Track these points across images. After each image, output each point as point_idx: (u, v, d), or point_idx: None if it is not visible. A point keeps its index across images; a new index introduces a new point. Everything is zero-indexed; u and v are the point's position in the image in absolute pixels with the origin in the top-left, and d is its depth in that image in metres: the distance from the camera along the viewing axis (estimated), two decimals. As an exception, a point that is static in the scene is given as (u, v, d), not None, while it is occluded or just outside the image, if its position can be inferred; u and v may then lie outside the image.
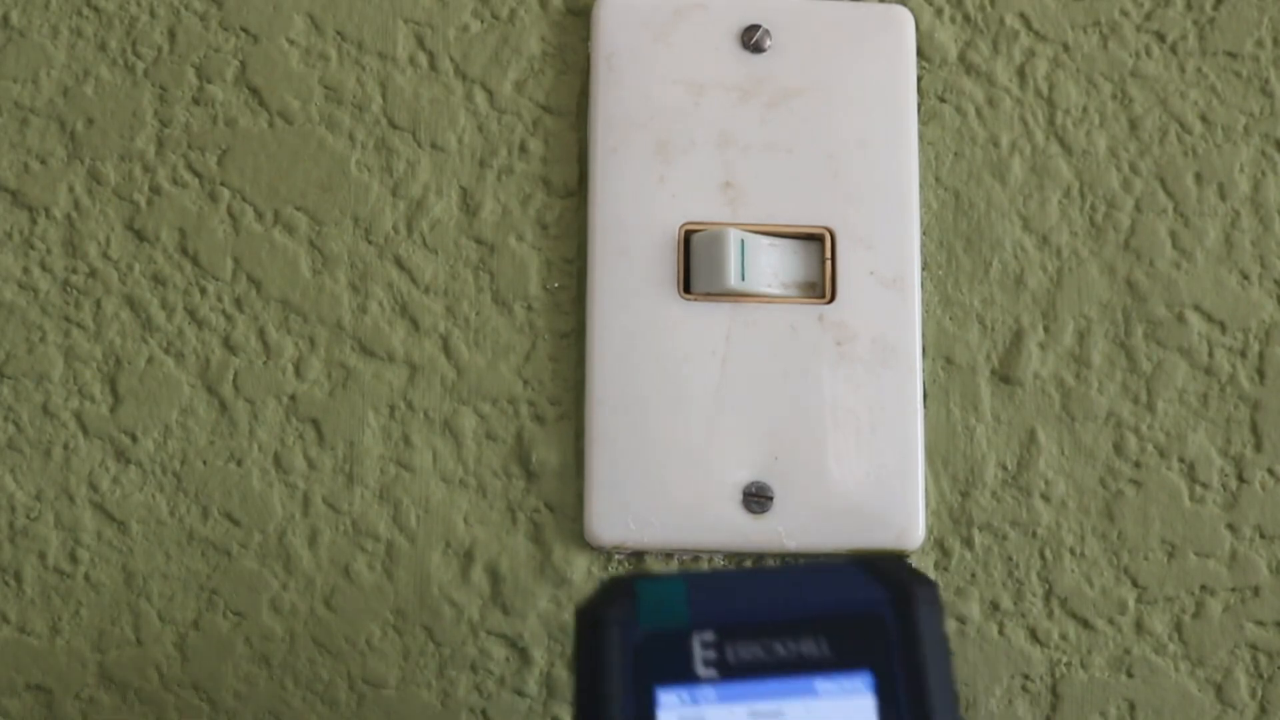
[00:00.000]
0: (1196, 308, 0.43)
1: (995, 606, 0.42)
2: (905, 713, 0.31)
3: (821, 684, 0.31)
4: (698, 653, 0.31)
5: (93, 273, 0.42)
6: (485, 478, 0.42)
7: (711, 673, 0.31)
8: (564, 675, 0.41)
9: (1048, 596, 0.42)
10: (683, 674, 0.31)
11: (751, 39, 0.43)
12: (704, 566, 0.41)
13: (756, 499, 0.41)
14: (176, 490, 0.41)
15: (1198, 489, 0.43)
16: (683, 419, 0.41)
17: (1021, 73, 0.44)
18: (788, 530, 0.41)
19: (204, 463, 0.41)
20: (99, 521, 0.41)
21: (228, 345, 0.42)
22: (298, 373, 0.42)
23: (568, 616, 0.41)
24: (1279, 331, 0.44)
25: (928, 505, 0.42)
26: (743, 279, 0.41)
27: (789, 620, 0.32)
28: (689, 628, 0.32)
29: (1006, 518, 0.42)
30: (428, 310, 0.42)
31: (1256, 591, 0.42)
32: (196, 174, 0.43)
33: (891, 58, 0.43)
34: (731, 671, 0.31)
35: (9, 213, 0.42)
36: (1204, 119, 0.44)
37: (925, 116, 0.44)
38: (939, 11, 0.45)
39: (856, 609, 0.32)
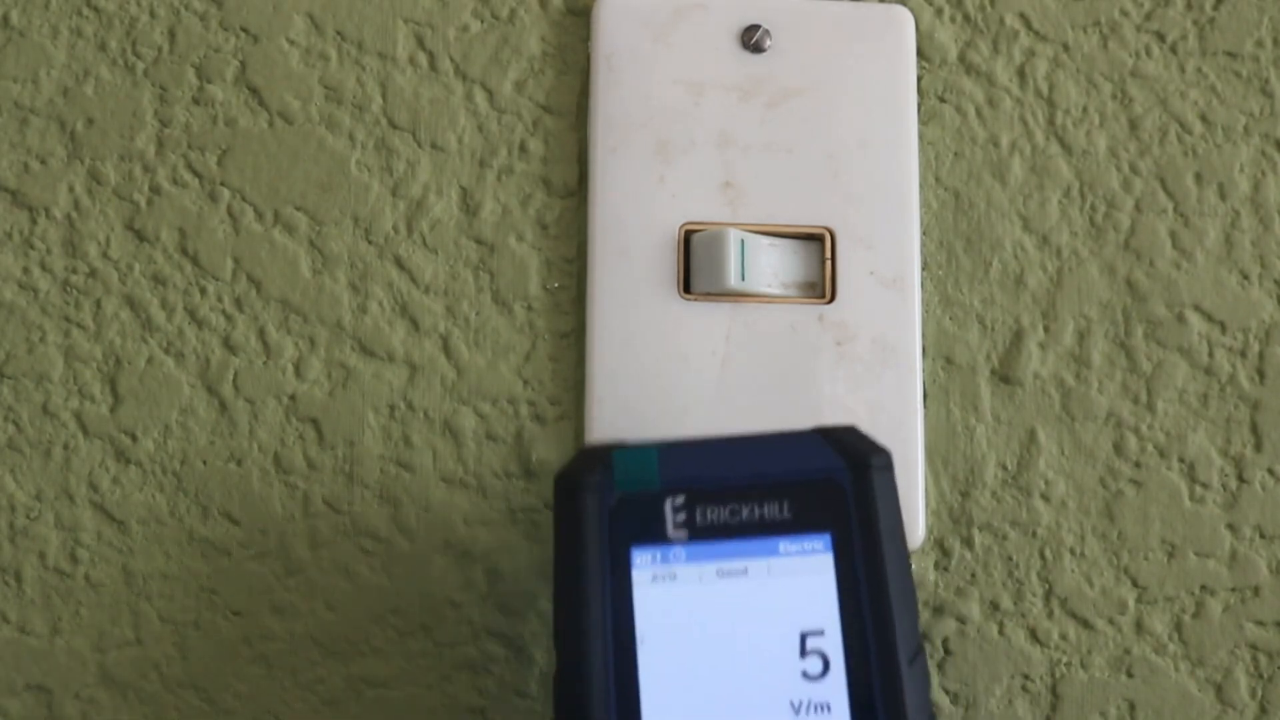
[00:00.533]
0: (1196, 308, 0.43)
1: (995, 606, 0.42)
2: (861, 571, 0.34)
3: (784, 545, 0.34)
4: (669, 516, 0.34)
5: (93, 273, 0.42)
6: (485, 478, 0.42)
7: (682, 534, 0.34)
8: (564, 675, 0.41)
9: (1048, 596, 0.42)
10: (655, 535, 0.34)
11: (751, 39, 0.43)
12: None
13: (756, 499, 0.41)
14: (176, 490, 0.41)
15: (1198, 489, 0.43)
16: (683, 419, 0.41)
17: (1021, 73, 0.44)
18: (788, 530, 0.41)
19: (204, 463, 0.41)
20: (99, 521, 0.41)
21: (228, 345, 0.42)
22: (298, 373, 0.42)
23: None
24: (1279, 331, 0.44)
25: (928, 505, 0.42)
26: (743, 279, 0.41)
27: (754, 485, 0.34)
28: (661, 492, 0.34)
29: (1006, 518, 0.42)
30: (428, 310, 0.42)
31: (1256, 591, 0.42)
32: (196, 174, 0.43)
33: (891, 58, 0.43)
34: (700, 533, 0.34)
35: (9, 213, 0.42)
36: (1204, 119, 0.45)
37: (925, 116, 0.44)
38: (939, 11, 0.45)
39: (816, 475, 0.34)
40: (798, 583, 0.34)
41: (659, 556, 0.34)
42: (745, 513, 0.34)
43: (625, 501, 0.34)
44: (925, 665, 0.34)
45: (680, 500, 0.34)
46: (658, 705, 0.33)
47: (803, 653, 0.34)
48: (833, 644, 0.33)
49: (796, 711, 0.33)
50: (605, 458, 0.35)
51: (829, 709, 0.33)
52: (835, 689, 0.33)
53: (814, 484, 0.34)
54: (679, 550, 0.34)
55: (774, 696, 0.33)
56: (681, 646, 0.34)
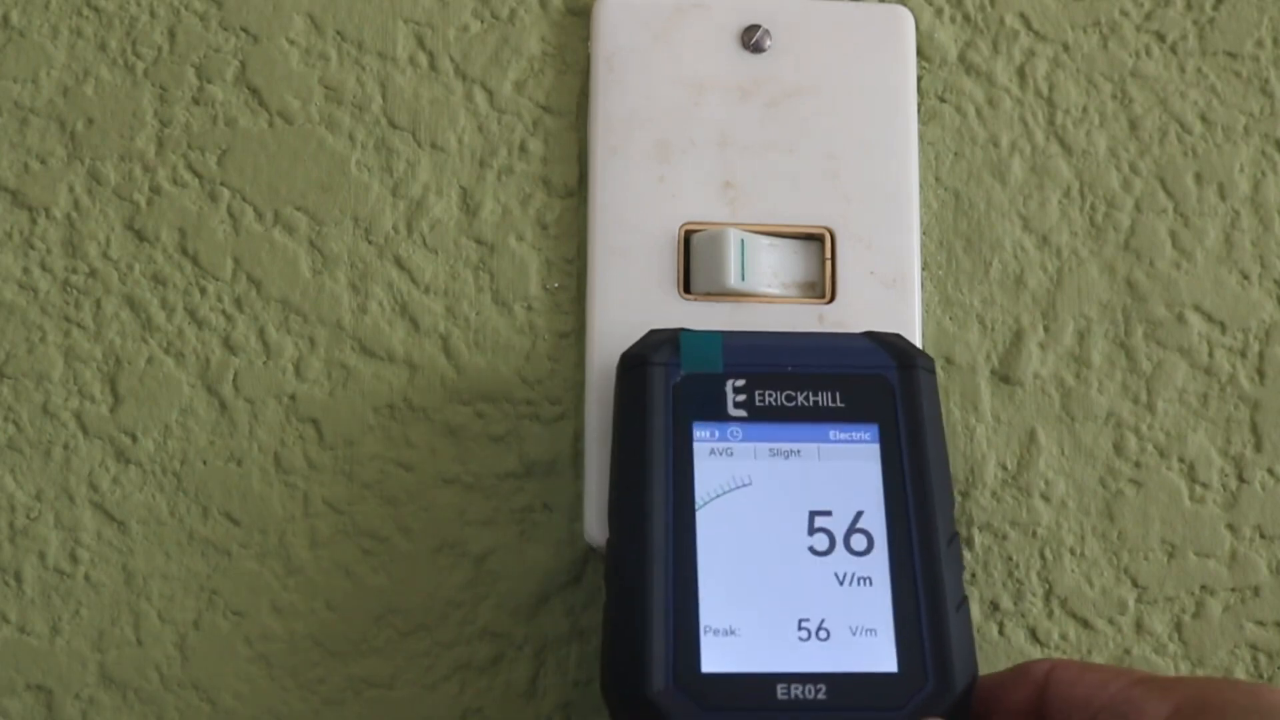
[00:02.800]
0: (1196, 308, 0.43)
1: (995, 606, 0.42)
2: (905, 460, 0.36)
3: (834, 431, 0.37)
4: (730, 396, 0.37)
5: (93, 273, 0.42)
6: (485, 478, 0.42)
7: (741, 414, 0.37)
8: (562, 676, 0.41)
9: (1048, 596, 0.42)
10: (716, 413, 0.37)
11: (751, 39, 0.43)
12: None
13: (757, 498, 0.41)
14: (176, 490, 0.41)
15: (1198, 489, 0.43)
16: (683, 419, 0.41)
17: (1021, 73, 0.44)
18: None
19: (204, 463, 0.41)
20: (99, 521, 0.41)
21: (228, 345, 0.42)
22: (298, 373, 0.42)
23: (568, 617, 0.41)
24: (1279, 331, 0.44)
25: (928, 505, 0.42)
26: (743, 279, 0.41)
27: (809, 375, 0.37)
28: (723, 375, 0.37)
29: (1006, 518, 0.42)
30: (428, 310, 0.42)
31: (1256, 591, 0.42)
32: (196, 174, 0.43)
33: (891, 58, 0.43)
34: (758, 414, 0.37)
35: (9, 213, 0.42)
36: (1204, 119, 0.44)
37: (925, 116, 0.44)
38: (939, 11, 0.45)
39: (867, 371, 0.37)
40: (845, 466, 0.36)
41: (718, 433, 0.36)
42: (800, 399, 0.37)
43: (690, 380, 0.37)
44: (960, 549, 0.36)
45: (741, 383, 0.37)
46: (713, 568, 0.35)
47: (849, 529, 0.36)
48: (876, 524, 0.36)
49: (841, 582, 0.35)
50: (673, 339, 0.37)
51: (871, 582, 0.35)
52: (878, 564, 0.36)
53: (865, 378, 0.37)
54: (736, 429, 0.37)
55: (821, 567, 0.36)
56: (736, 516, 0.36)
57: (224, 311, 0.42)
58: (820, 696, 0.34)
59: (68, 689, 0.40)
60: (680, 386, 0.37)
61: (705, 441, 0.36)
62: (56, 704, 0.40)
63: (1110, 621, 0.42)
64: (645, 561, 0.35)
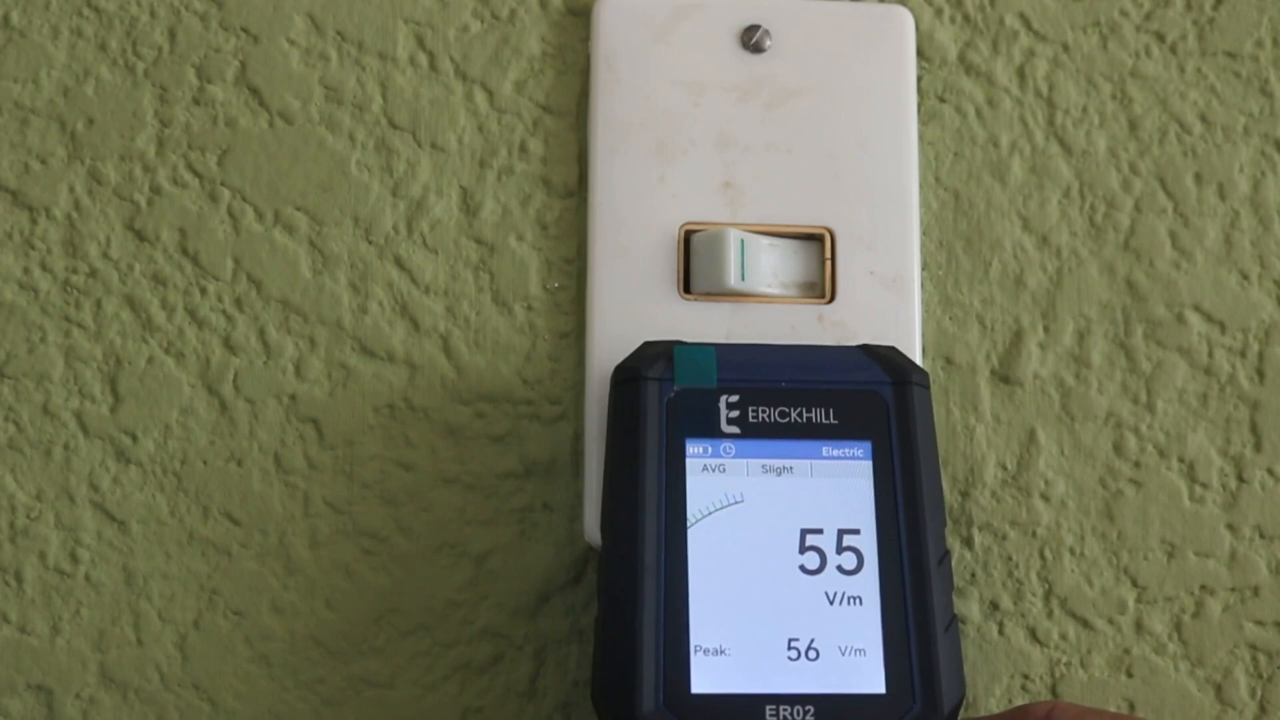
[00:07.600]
0: (1196, 308, 0.44)
1: (995, 606, 0.42)
2: (898, 478, 0.36)
3: (827, 448, 0.37)
4: (723, 412, 0.37)
5: (93, 273, 0.42)
6: (485, 478, 0.42)
7: (734, 430, 0.37)
8: (562, 676, 0.41)
9: (1048, 596, 0.42)
10: (709, 429, 0.37)
11: (751, 39, 0.43)
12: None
13: (756, 498, 0.41)
14: (176, 490, 0.41)
15: (1197, 489, 0.43)
16: (683, 419, 0.41)
17: (1021, 73, 0.44)
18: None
19: (204, 463, 0.41)
20: (99, 521, 0.41)
21: (228, 345, 0.42)
22: (298, 373, 0.42)
23: (568, 617, 0.41)
24: (1279, 331, 0.44)
25: (928, 505, 0.42)
26: (743, 279, 0.41)
27: (803, 391, 0.37)
28: (717, 390, 0.37)
29: (1006, 518, 0.42)
30: (428, 310, 0.42)
31: (1256, 591, 0.42)
32: (196, 174, 0.43)
33: (891, 58, 0.43)
34: (751, 430, 0.37)
35: (9, 213, 0.42)
36: (1204, 119, 0.45)
37: (925, 116, 0.44)
38: (939, 11, 0.45)
39: (861, 386, 0.37)
40: (837, 484, 0.37)
41: (710, 449, 0.37)
42: (793, 415, 0.37)
43: (683, 395, 0.37)
44: (950, 568, 0.36)
45: (734, 399, 0.37)
46: (704, 587, 0.35)
47: (839, 549, 0.36)
48: (867, 543, 0.36)
49: (831, 602, 0.36)
50: (667, 352, 0.37)
51: (861, 601, 0.36)
52: (868, 583, 0.36)
53: (859, 394, 0.37)
54: (729, 445, 0.37)
55: (811, 586, 0.36)
56: (728, 534, 0.36)
57: (224, 311, 0.42)
58: (809, 718, 0.34)
59: (68, 689, 0.40)
60: (674, 402, 0.37)
61: (698, 458, 0.36)
62: (57, 704, 0.40)
63: (1110, 621, 0.42)
64: (636, 579, 0.35)
